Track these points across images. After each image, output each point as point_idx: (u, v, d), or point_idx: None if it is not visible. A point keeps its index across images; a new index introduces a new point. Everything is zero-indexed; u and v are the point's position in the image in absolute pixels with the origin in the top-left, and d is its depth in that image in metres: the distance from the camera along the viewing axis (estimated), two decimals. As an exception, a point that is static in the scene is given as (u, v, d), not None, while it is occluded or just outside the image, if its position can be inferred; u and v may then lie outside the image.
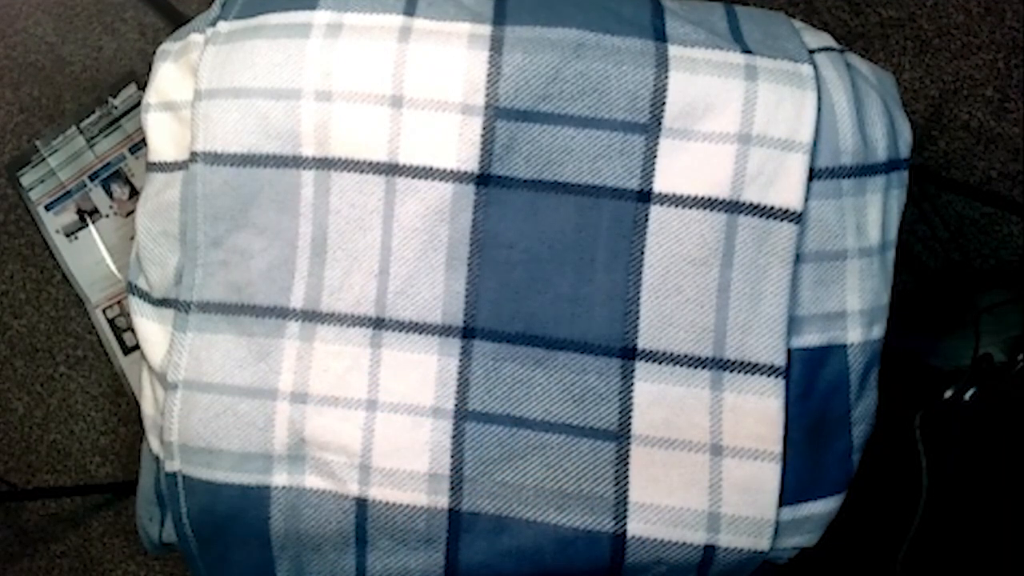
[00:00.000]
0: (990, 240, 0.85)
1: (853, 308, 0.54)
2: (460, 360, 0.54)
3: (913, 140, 0.56)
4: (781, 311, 0.53)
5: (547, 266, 0.53)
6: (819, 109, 0.53)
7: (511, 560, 0.54)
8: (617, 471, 0.53)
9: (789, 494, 0.54)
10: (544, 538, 0.53)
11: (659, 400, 0.53)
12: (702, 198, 0.52)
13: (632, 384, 0.53)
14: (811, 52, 0.55)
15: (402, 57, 0.53)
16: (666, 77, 0.53)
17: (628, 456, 0.53)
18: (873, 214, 0.54)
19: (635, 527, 0.53)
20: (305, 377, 0.54)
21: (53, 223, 0.90)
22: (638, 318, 0.53)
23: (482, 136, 0.53)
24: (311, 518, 0.54)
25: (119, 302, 0.90)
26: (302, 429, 0.54)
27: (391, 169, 0.53)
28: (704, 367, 0.53)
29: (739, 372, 0.53)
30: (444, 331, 0.54)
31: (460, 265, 0.54)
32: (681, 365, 0.53)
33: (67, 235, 0.90)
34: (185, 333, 0.55)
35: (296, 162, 0.54)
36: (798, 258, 0.53)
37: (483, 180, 0.53)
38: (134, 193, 0.89)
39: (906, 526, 0.69)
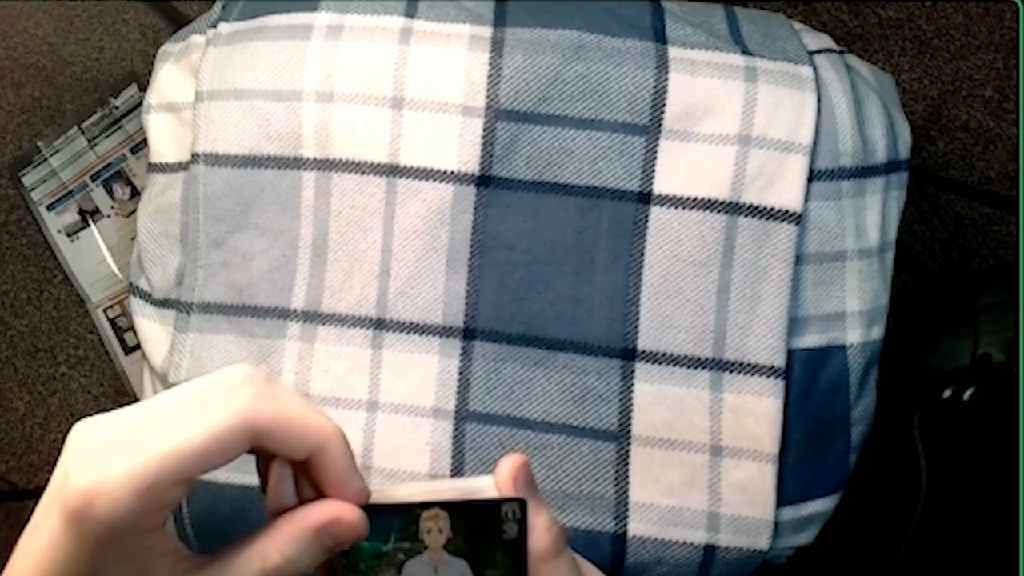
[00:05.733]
0: (989, 240, 0.85)
1: (852, 309, 0.54)
2: (461, 361, 0.54)
3: (912, 141, 0.56)
4: (781, 312, 0.53)
5: (547, 267, 0.54)
6: (819, 111, 0.53)
7: (512, 560, 0.54)
8: (617, 471, 0.53)
9: (790, 494, 0.54)
10: (544, 538, 0.54)
11: (659, 401, 0.53)
12: (702, 199, 0.53)
13: (632, 385, 0.53)
14: (811, 53, 0.56)
15: (403, 59, 0.53)
16: (666, 79, 0.53)
17: (628, 456, 0.53)
18: (872, 215, 0.54)
19: (636, 527, 0.53)
20: (306, 378, 0.54)
21: (54, 223, 0.90)
22: (638, 319, 0.53)
23: (483, 137, 0.53)
24: (312, 518, 0.54)
25: (120, 302, 0.90)
26: (303, 429, 0.54)
27: (392, 170, 0.53)
28: (704, 368, 0.53)
29: (738, 373, 0.53)
30: (445, 332, 0.54)
31: (461, 266, 0.54)
32: (681, 366, 0.53)
33: (68, 235, 0.90)
34: (186, 334, 0.55)
35: (297, 163, 0.54)
36: (798, 259, 0.53)
37: (484, 181, 0.53)
38: (135, 193, 0.89)
39: (905, 526, 0.69)
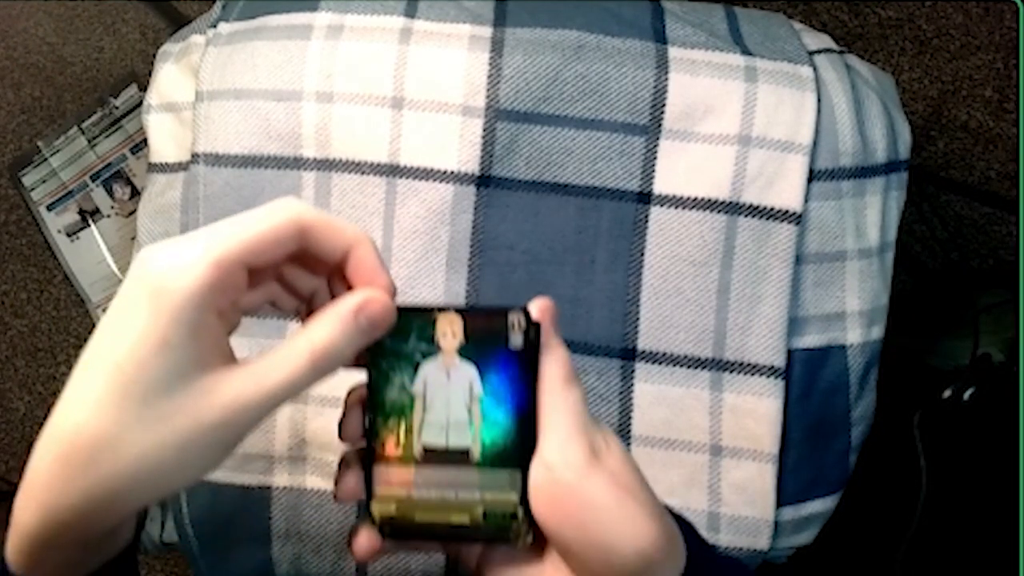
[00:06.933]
0: (989, 240, 0.85)
1: (852, 309, 0.54)
2: (461, 361, 0.54)
3: (912, 141, 0.56)
4: (781, 312, 0.53)
5: (547, 267, 0.54)
6: (819, 111, 0.53)
7: (512, 560, 0.54)
8: (617, 471, 0.53)
9: (790, 494, 0.54)
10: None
11: (659, 401, 0.53)
12: (702, 199, 0.53)
13: (632, 385, 0.53)
14: (811, 53, 0.56)
15: (403, 59, 0.53)
16: (666, 79, 0.53)
17: (628, 456, 0.53)
18: (872, 215, 0.54)
19: (635, 527, 0.53)
20: (306, 377, 0.54)
21: (55, 223, 0.90)
22: (638, 319, 0.53)
23: (483, 137, 0.53)
24: (312, 518, 0.54)
25: (120, 302, 0.90)
26: (303, 430, 0.54)
27: (392, 170, 0.53)
28: (704, 368, 0.53)
29: (738, 373, 0.53)
30: (445, 332, 0.54)
31: (460, 266, 0.54)
32: (681, 366, 0.53)
33: (68, 235, 0.90)
34: (187, 334, 0.55)
35: (297, 163, 0.54)
36: (799, 259, 0.53)
37: (484, 181, 0.53)
38: (135, 193, 0.89)
39: (905, 525, 0.69)
